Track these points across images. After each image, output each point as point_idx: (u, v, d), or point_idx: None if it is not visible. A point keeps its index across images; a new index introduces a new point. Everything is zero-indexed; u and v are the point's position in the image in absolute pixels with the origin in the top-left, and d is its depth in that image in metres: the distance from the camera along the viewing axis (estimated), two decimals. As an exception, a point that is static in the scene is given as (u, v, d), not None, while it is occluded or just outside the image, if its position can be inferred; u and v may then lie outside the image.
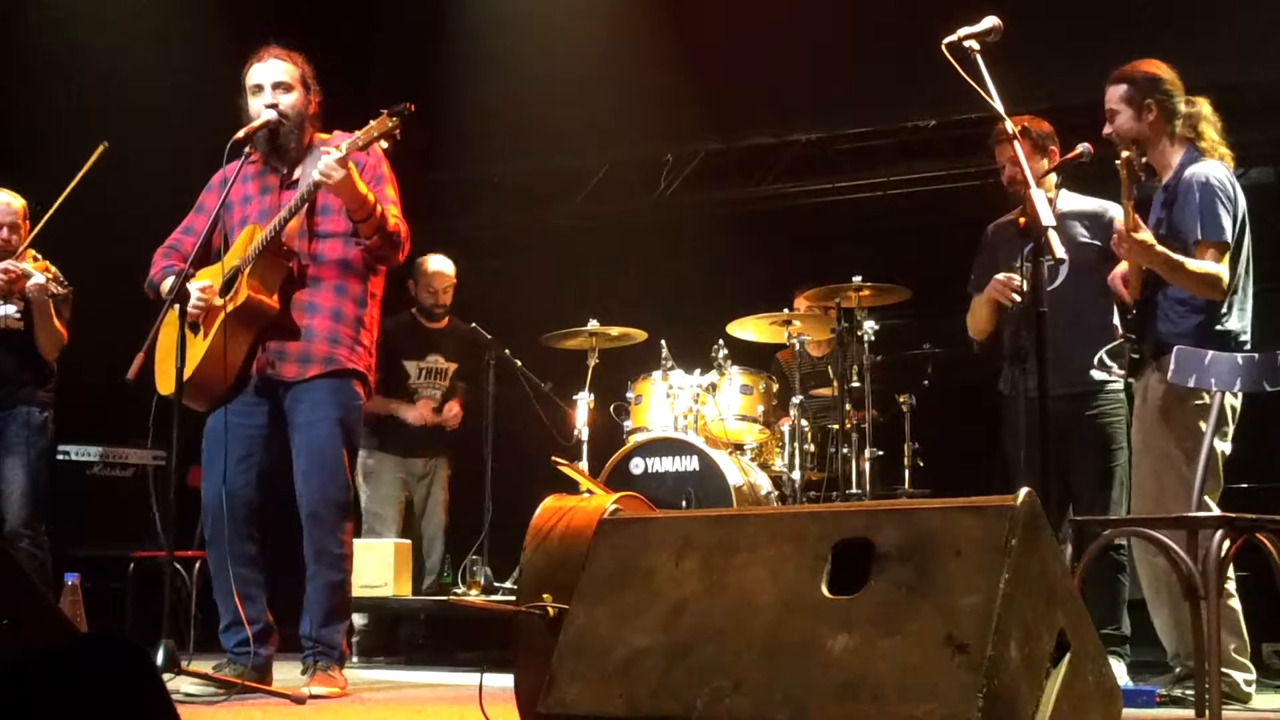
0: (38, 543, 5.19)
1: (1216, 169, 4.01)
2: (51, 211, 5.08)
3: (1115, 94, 4.12)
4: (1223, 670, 3.61)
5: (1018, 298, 4.39)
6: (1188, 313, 4.01)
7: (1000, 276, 4.47)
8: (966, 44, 3.53)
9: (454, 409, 6.34)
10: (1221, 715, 3.30)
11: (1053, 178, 4.47)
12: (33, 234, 5.19)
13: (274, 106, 4.15)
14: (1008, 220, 4.71)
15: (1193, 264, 3.93)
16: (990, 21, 3.54)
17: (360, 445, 5.07)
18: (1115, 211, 4.25)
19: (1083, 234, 4.47)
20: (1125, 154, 3.91)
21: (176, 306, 3.99)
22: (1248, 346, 4.00)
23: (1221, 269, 3.92)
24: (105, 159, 5.00)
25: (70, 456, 5.88)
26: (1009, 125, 3.51)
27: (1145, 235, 3.92)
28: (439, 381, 6.37)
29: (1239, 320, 4.02)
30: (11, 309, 5.21)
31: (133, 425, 3.98)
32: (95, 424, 5.78)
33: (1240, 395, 3.88)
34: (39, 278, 5.04)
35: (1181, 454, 3.97)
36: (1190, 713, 3.56)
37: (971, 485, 4.70)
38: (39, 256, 5.21)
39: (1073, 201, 4.58)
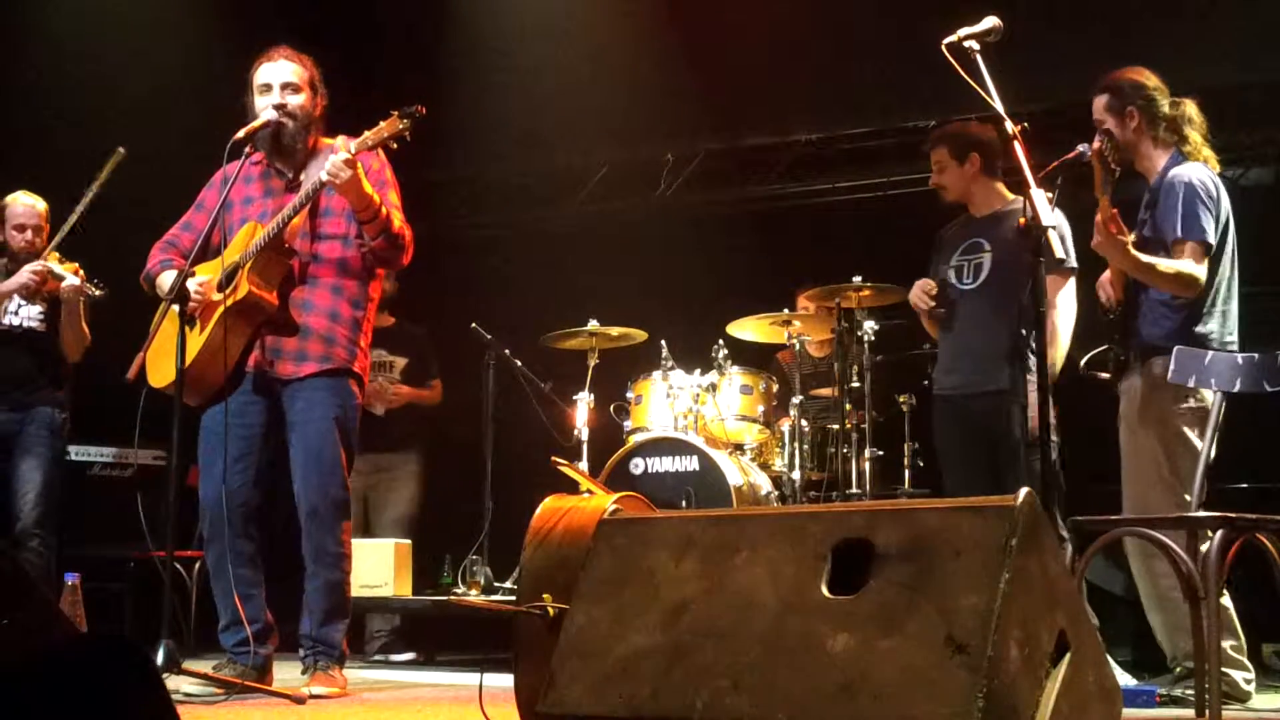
0: (47, 543, 5.21)
1: (1199, 170, 4.03)
2: (74, 217, 5.08)
3: (1100, 104, 4.18)
4: (1222, 670, 3.62)
5: (931, 302, 4.68)
6: (1168, 314, 4.03)
7: (919, 282, 4.67)
8: (966, 44, 3.54)
9: (392, 389, 6.30)
10: (1221, 715, 3.30)
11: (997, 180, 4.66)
12: (57, 239, 5.21)
13: (281, 107, 4.15)
14: (956, 221, 4.83)
15: (1164, 264, 3.95)
16: (990, 21, 3.55)
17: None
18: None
19: (1013, 234, 4.53)
20: (1096, 145, 3.93)
21: (175, 306, 3.99)
22: (1232, 348, 3.99)
23: (1197, 268, 3.93)
24: (107, 161, 5.00)
25: (71, 456, 5.87)
26: (1009, 126, 3.52)
27: (1124, 235, 3.94)
28: (388, 375, 6.37)
29: (1220, 322, 4.02)
30: (35, 310, 5.25)
31: (133, 425, 3.97)
32: (95, 424, 5.78)
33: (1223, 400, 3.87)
34: (73, 279, 5.07)
35: (1163, 455, 3.97)
36: (1190, 713, 3.56)
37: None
38: (64, 259, 5.23)
39: (1016, 203, 4.64)
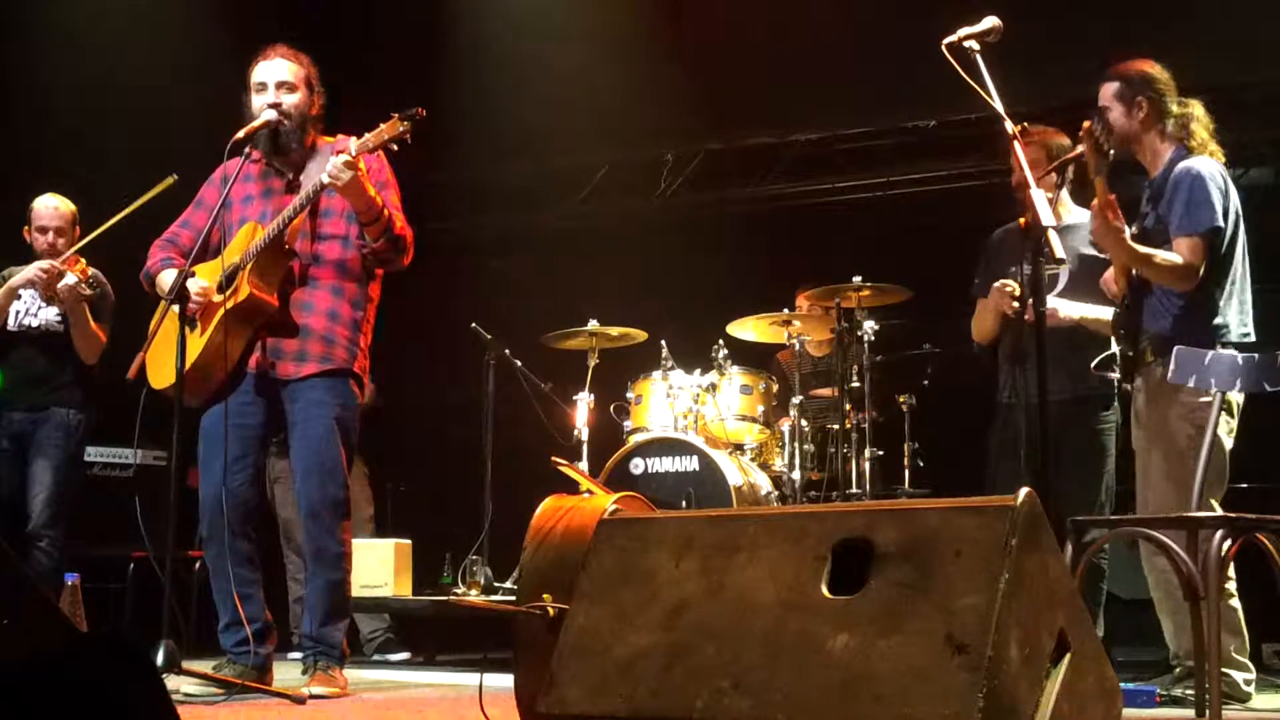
0: (56, 544, 5.21)
1: (1208, 163, 4.01)
2: (105, 227, 5.07)
3: (1108, 91, 4.14)
4: (1223, 670, 3.61)
5: (1017, 305, 4.42)
6: (1174, 310, 4.00)
7: (998, 284, 4.48)
8: (966, 44, 3.53)
9: None
10: (1221, 715, 3.30)
11: (1064, 191, 4.48)
12: (78, 245, 5.21)
13: (276, 106, 4.14)
14: (1009, 227, 4.74)
15: (1162, 256, 3.93)
16: (990, 21, 3.55)
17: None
18: None
19: (1085, 246, 4.47)
20: (1087, 124, 3.89)
21: (175, 306, 3.99)
22: (1248, 340, 3.97)
23: (1195, 260, 3.91)
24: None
25: (74, 457, 5.87)
26: (1009, 126, 3.51)
27: (1120, 222, 3.92)
28: None
29: (1230, 316, 3.99)
30: (53, 312, 5.26)
31: (133, 426, 3.97)
32: (96, 424, 5.78)
33: (1240, 395, 3.87)
34: (70, 278, 5.06)
35: (1165, 454, 3.96)
36: (1190, 713, 3.56)
37: (971, 485, 4.71)
38: (81, 259, 5.23)
39: (1080, 215, 4.58)
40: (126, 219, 4.91)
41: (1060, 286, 4.48)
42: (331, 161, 3.95)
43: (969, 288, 4.77)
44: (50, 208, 5.31)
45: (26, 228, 5.33)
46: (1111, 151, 3.91)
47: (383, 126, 3.96)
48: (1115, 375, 4.33)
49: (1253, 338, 4.00)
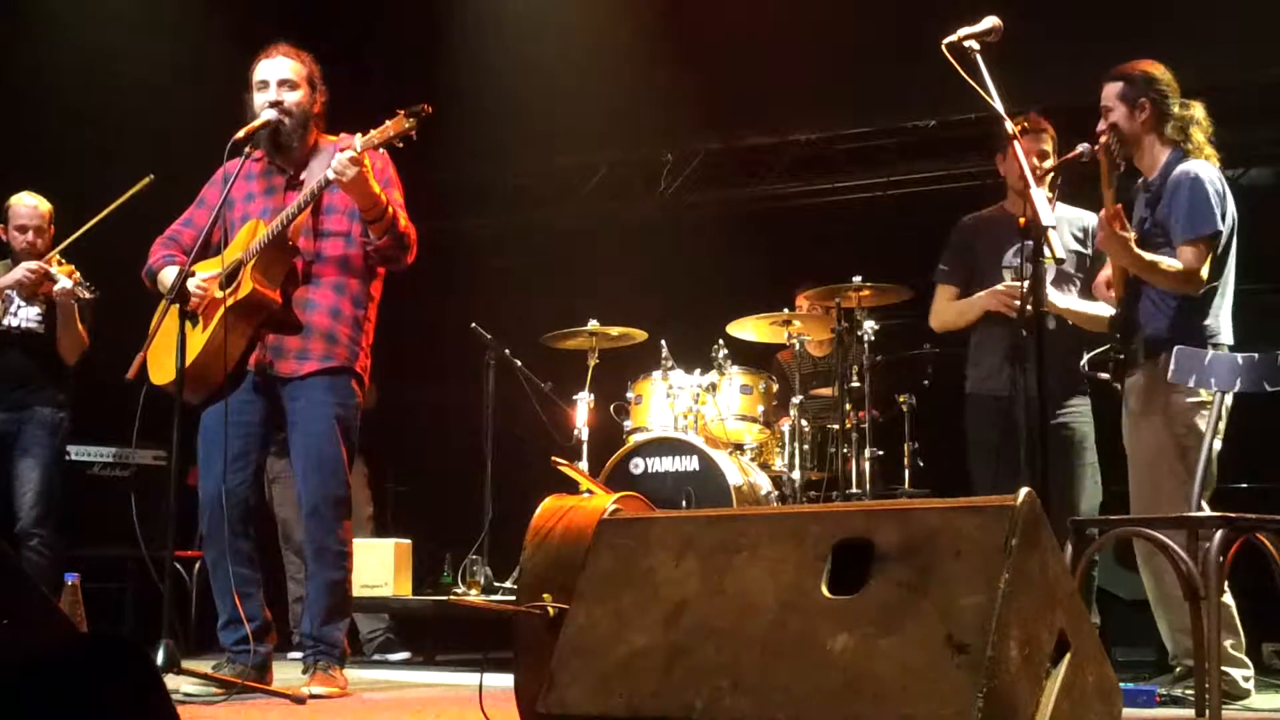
0: (47, 543, 5.22)
1: (1207, 167, 4.02)
2: (85, 229, 5.11)
3: (1111, 91, 4.13)
4: (1222, 669, 3.61)
5: (1018, 304, 4.43)
6: (1170, 310, 4.01)
7: (1000, 287, 4.49)
8: (966, 44, 3.54)
9: None
10: (1221, 715, 3.30)
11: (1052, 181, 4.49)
12: (62, 245, 5.23)
13: (278, 104, 4.14)
14: (988, 215, 4.74)
15: (1167, 262, 3.94)
16: (990, 21, 3.55)
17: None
18: (1094, 221, 4.27)
19: (1070, 242, 4.49)
20: (1103, 139, 3.93)
21: (176, 303, 3.99)
22: (1227, 346, 3.98)
23: (1200, 265, 3.92)
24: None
25: (71, 456, 5.88)
26: (1009, 126, 3.51)
27: (1126, 231, 3.93)
28: None
29: (1217, 319, 4.00)
30: (34, 312, 5.27)
31: (133, 425, 3.97)
32: (96, 424, 5.79)
33: (1231, 395, 3.87)
34: (65, 282, 5.09)
35: (1172, 448, 3.96)
36: (1190, 712, 3.56)
37: (971, 485, 4.70)
38: (63, 260, 5.24)
39: (1062, 210, 4.59)
40: (110, 222, 4.93)
41: (1047, 281, 4.51)
42: (337, 157, 3.94)
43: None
44: (29, 206, 5.34)
45: (3, 226, 5.35)
46: (1121, 165, 3.92)
47: (389, 123, 3.95)
48: (1105, 376, 4.33)
49: (1231, 343, 4.00)
